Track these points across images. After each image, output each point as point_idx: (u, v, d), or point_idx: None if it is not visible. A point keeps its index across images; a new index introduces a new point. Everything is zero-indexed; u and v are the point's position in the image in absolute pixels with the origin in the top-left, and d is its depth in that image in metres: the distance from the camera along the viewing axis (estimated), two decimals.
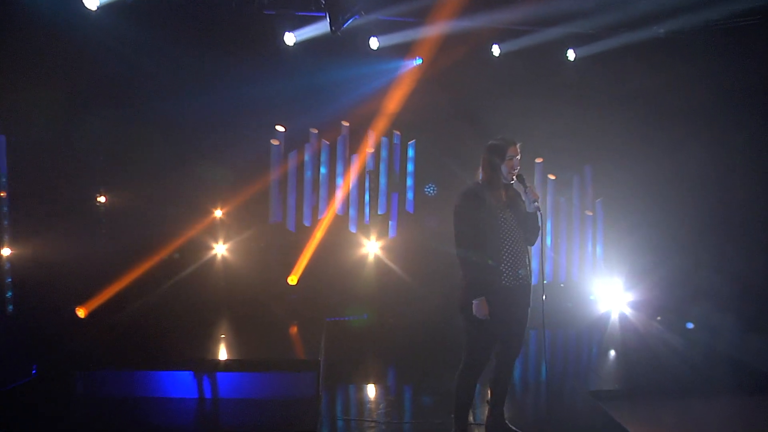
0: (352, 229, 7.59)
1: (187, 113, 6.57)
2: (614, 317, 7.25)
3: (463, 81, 7.19)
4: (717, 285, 6.58)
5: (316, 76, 6.92)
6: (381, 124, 7.42)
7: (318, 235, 7.34)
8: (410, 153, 7.70)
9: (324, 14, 6.20)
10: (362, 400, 4.99)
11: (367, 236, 7.61)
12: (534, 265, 7.14)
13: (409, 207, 7.71)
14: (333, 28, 6.12)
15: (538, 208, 3.82)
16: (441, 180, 7.46)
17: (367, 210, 7.62)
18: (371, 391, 5.16)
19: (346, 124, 7.52)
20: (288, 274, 7.25)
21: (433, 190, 7.56)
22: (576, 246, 8.03)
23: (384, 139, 7.62)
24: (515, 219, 3.83)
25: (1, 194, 5.49)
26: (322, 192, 7.52)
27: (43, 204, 5.70)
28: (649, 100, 7.23)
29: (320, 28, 6.56)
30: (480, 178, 3.87)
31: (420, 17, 6.70)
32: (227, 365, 5.02)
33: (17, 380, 4.97)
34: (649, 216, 7.27)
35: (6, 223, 5.52)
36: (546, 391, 4.67)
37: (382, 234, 7.64)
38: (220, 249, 7.27)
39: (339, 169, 7.55)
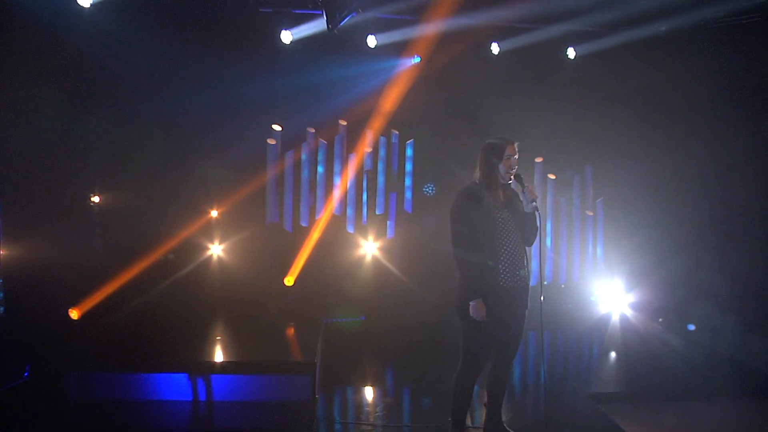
0: (350, 230, 7.55)
1: (182, 112, 6.52)
2: (615, 318, 7.24)
3: (462, 79, 7.16)
4: (718, 285, 6.57)
5: (313, 74, 6.89)
6: (379, 123, 7.38)
7: (315, 235, 7.29)
8: (408, 152, 7.65)
9: (321, 12, 6.15)
10: (360, 402, 4.98)
11: (365, 236, 7.57)
12: (534, 265, 7.16)
13: (408, 207, 7.67)
14: (330, 26, 6.08)
15: (536, 208, 3.79)
16: (440, 179, 7.42)
17: (364, 210, 7.58)
18: (369, 393, 5.14)
19: (343, 123, 7.48)
20: (285, 274, 7.20)
21: (432, 189, 7.52)
22: (576, 246, 8.00)
23: (382, 138, 7.58)
24: (513, 219, 3.80)
25: None
26: (320, 192, 7.48)
27: (35, 204, 5.65)
28: (650, 99, 7.21)
29: (317, 26, 6.52)
30: (477, 177, 3.84)
31: (418, 15, 6.66)
32: (223, 367, 4.98)
33: (10, 382, 4.92)
34: (650, 216, 7.26)
35: None
36: (545, 393, 4.64)
37: (380, 234, 7.60)
38: (216, 249, 7.23)
39: (336, 168, 7.50)
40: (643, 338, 6.53)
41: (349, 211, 7.55)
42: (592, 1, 6.39)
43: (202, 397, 4.90)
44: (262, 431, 4.43)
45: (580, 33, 7.17)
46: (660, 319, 7.04)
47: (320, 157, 7.47)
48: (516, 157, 3.77)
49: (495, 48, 7.23)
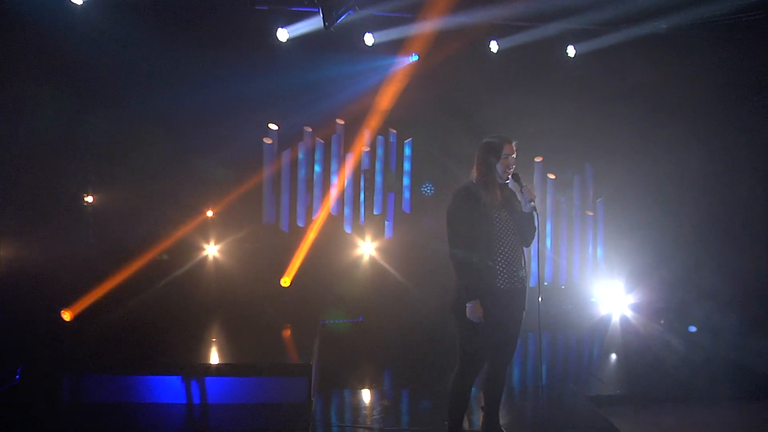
0: (347, 230, 7.50)
1: (177, 111, 6.45)
2: (615, 320, 7.20)
3: (461, 78, 7.12)
4: (718, 285, 6.55)
5: (309, 73, 6.84)
6: (376, 122, 7.33)
7: (312, 235, 7.25)
8: (407, 151, 7.61)
9: (317, 9, 6.10)
10: (357, 405, 4.94)
11: (363, 237, 7.52)
12: (533, 266, 7.11)
13: (406, 207, 7.62)
14: (326, 24, 6.05)
15: (534, 208, 3.75)
16: (438, 179, 7.38)
17: (362, 210, 7.52)
18: (366, 395, 5.09)
19: (340, 122, 7.43)
20: (281, 275, 7.15)
21: (431, 189, 7.48)
22: (576, 247, 7.96)
23: (380, 138, 7.54)
24: (511, 219, 3.76)
25: None
26: (317, 191, 7.43)
27: (28, 203, 5.62)
28: (650, 97, 7.19)
29: (314, 23, 6.49)
30: (474, 177, 3.79)
31: (416, 13, 6.61)
32: (218, 369, 4.94)
33: (1, 385, 4.87)
34: (650, 216, 7.23)
35: None
36: (545, 395, 4.60)
37: (377, 235, 7.55)
38: (211, 250, 7.18)
39: (333, 167, 7.45)
40: (644, 339, 6.50)
41: (347, 211, 7.50)
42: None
43: (196, 399, 4.84)
44: None
45: (580, 31, 7.13)
46: (662, 321, 7.00)
47: (317, 156, 7.42)
48: (514, 156, 3.73)
49: (494, 46, 7.19)
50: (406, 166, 7.60)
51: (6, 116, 5.37)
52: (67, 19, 5.73)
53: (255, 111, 6.87)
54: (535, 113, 6.84)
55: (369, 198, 7.55)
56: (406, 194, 7.61)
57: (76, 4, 5.68)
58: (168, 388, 4.82)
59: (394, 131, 7.54)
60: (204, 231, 7.11)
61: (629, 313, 7.25)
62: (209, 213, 7.12)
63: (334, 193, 7.41)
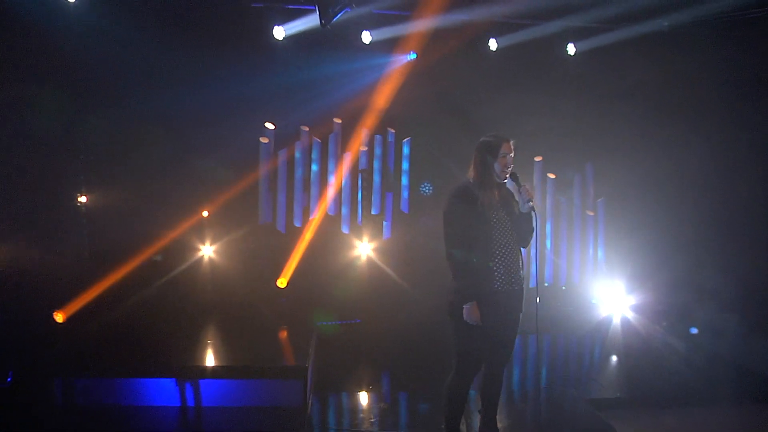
0: (345, 230, 7.44)
1: (172, 110, 6.37)
2: (616, 321, 7.15)
3: (460, 76, 7.07)
4: (720, 286, 6.52)
5: (306, 71, 6.81)
6: (374, 121, 7.28)
7: (309, 236, 7.19)
8: (405, 151, 7.56)
9: (313, 7, 6.05)
10: (354, 408, 4.93)
11: (360, 237, 7.46)
12: (532, 268, 7.05)
13: (404, 207, 7.57)
14: (323, 22, 6.01)
15: (532, 208, 3.70)
16: (437, 179, 7.33)
17: (359, 210, 7.46)
18: (364, 398, 5.08)
19: (338, 121, 7.37)
20: (277, 276, 7.09)
21: (429, 189, 7.43)
22: (577, 248, 7.91)
23: (378, 137, 7.48)
24: (509, 220, 3.72)
25: None
26: (314, 191, 7.37)
27: (20, 204, 5.59)
28: (651, 95, 7.15)
29: (310, 21, 6.44)
30: (472, 176, 3.74)
31: (414, 10, 6.57)
32: (213, 372, 4.89)
33: None
34: (651, 216, 7.19)
35: None
36: (544, 399, 4.57)
37: (375, 235, 7.49)
38: (207, 250, 7.12)
39: (331, 167, 7.39)
40: (645, 341, 6.46)
41: (344, 211, 7.44)
42: None
43: (191, 402, 4.80)
44: None
45: (580, 29, 7.10)
46: (664, 323, 6.95)
47: (314, 155, 7.36)
48: (511, 155, 3.68)
49: (493, 44, 7.15)
50: (405, 165, 7.54)
51: (3, 116, 5.32)
52: (59, 18, 5.69)
53: (251, 110, 6.80)
54: (535, 112, 6.80)
55: (367, 198, 7.48)
56: (405, 194, 7.55)
57: (68, 1, 5.62)
58: (162, 391, 4.78)
59: (393, 130, 7.49)
60: (199, 231, 7.05)
61: (630, 315, 7.20)
62: (205, 213, 7.05)
63: (331, 192, 7.34)
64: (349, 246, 7.41)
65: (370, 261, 7.41)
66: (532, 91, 6.93)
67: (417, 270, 7.18)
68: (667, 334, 6.60)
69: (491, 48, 7.15)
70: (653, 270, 7.10)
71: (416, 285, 7.13)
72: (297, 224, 7.32)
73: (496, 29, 7.05)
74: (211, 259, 7.12)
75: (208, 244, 7.11)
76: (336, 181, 7.36)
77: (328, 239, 7.30)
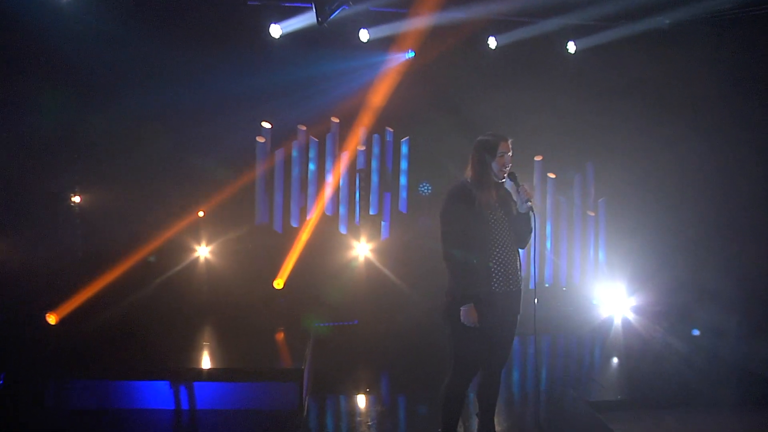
0: (342, 230, 7.41)
1: (168, 109, 6.35)
2: (617, 322, 7.11)
3: (458, 75, 7.04)
4: (722, 287, 6.48)
5: (303, 69, 6.75)
6: (372, 119, 7.24)
7: (306, 236, 7.15)
8: (404, 150, 7.52)
9: (310, 5, 6.00)
10: (352, 410, 4.90)
11: (358, 238, 7.42)
12: (532, 268, 7.00)
13: (403, 207, 7.53)
14: (320, 20, 5.95)
15: (530, 208, 3.66)
16: (436, 179, 7.27)
17: (357, 210, 7.42)
18: (361, 401, 5.05)
19: (335, 120, 7.33)
20: (274, 277, 7.05)
21: (428, 189, 7.39)
22: (577, 248, 7.87)
23: (376, 136, 7.44)
24: (507, 220, 3.67)
25: None
26: (311, 191, 7.33)
27: (12, 203, 5.55)
28: (652, 93, 7.12)
29: (307, 19, 6.38)
30: (469, 176, 3.70)
31: (412, 8, 6.53)
32: (208, 374, 4.87)
33: None
34: (652, 216, 7.17)
35: None
36: (544, 400, 4.54)
37: (373, 235, 7.45)
38: (203, 251, 7.08)
39: (328, 166, 7.35)
40: (646, 343, 6.43)
41: (342, 211, 7.40)
42: None
43: (185, 405, 4.77)
44: None
45: (580, 27, 7.06)
46: (664, 324, 6.91)
47: (311, 155, 7.31)
48: (510, 154, 3.64)
49: (492, 42, 7.11)
50: (403, 165, 7.50)
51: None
52: (51, 16, 5.65)
53: (247, 109, 6.77)
54: (535, 110, 6.80)
55: (365, 198, 7.44)
56: (403, 194, 7.51)
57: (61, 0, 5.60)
58: (157, 394, 4.76)
59: (391, 130, 7.45)
60: (195, 231, 7.01)
61: (631, 316, 7.16)
62: (200, 213, 7.01)
63: (328, 192, 7.30)
64: (347, 246, 7.37)
65: (367, 262, 7.37)
66: (532, 90, 6.90)
67: (415, 271, 7.13)
68: (667, 335, 6.57)
69: (490, 46, 7.12)
70: (654, 271, 7.07)
71: (415, 286, 7.10)
72: (294, 224, 7.28)
73: (495, 27, 7.01)
74: (207, 260, 7.08)
75: (204, 244, 7.07)
76: (333, 180, 7.33)
77: (326, 239, 7.27)
